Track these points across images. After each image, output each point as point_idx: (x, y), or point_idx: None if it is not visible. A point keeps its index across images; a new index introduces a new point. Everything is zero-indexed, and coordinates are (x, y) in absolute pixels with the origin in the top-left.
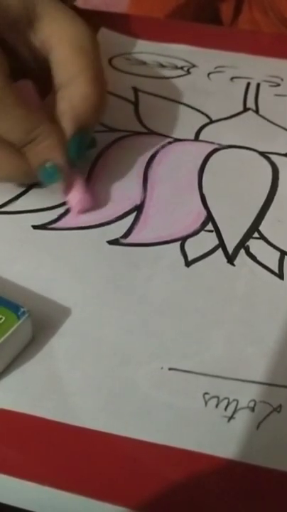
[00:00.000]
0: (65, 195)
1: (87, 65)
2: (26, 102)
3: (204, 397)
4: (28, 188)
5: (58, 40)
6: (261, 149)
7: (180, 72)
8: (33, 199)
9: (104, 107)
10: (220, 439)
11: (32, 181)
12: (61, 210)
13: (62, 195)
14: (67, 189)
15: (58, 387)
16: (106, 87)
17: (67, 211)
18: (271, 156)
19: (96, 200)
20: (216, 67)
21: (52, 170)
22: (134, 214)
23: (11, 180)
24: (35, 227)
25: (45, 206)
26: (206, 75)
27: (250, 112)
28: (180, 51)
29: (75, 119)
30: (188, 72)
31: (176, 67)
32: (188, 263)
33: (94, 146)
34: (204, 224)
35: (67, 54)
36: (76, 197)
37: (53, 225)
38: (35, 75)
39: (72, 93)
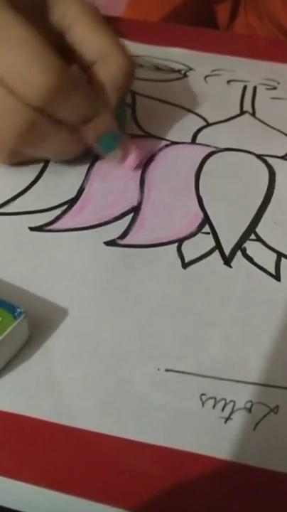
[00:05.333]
0: (123, 159)
1: (113, 37)
2: (83, 82)
3: (201, 398)
4: (25, 189)
5: (74, 18)
6: (257, 152)
7: (177, 75)
8: (29, 201)
9: (134, 74)
10: (217, 439)
11: (80, 154)
12: (57, 211)
13: (119, 160)
14: (125, 153)
15: (55, 387)
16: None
17: (63, 213)
18: (267, 158)
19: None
20: (213, 71)
21: (111, 140)
22: (131, 215)
23: (65, 157)
24: (32, 228)
25: (41, 208)
26: (203, 78)
27: (247, 114)
28: (177, 54)
29: (117, 88)
30: (185, 75)
31: (173, 71)
32: (185, 265)
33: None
34: (201, 226)
35: (89, 31)
36: (132, 156)
37: (50, 227)
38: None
39: (110, 64)
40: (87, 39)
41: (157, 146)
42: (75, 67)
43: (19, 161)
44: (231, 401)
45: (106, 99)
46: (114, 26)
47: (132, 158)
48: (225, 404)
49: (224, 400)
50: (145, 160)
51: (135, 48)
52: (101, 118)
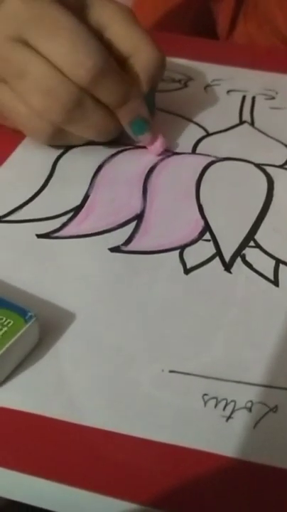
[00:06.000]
0: (151, 143)
1: (144, 34)
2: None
3: (203, 398)
4: (31, 198)
5: (110, 20)
6: (256, 161)
7: (177, 85)
8: (36, 209)
9: (165, 67)
10: (219, 437)
11: (113, 138)
12: (64, 219)
13: (149, 143)
14: (153, 137)
15: (64, 387)
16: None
17: (69, 220)
18: (266, 167)
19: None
20: (212, 81)
21: (142, 123)
22: (135, 222)
23: (100, 138)
24: (39, 235)
25: (48, 215)
26: (203, 88)
27: (246, 124)
28: (177, 65)
29: (149, 79)
30: (185, 85)
31: (173, 81)
32: (187, 271)
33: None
34: (202, 233)
35: (124, 29)
36: (158, 141)
37: (56, 234)
38: None
39: (142, 58)
40: (122, 36)
41: (159, 156)
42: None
43: (59, 143)
44: (232, 401)
45: (139, 87)
46: None
47: (159, 144)
48: (226, 404)
49: (226, 399)
50: (166, 148)
51: None
52: (134, 103)
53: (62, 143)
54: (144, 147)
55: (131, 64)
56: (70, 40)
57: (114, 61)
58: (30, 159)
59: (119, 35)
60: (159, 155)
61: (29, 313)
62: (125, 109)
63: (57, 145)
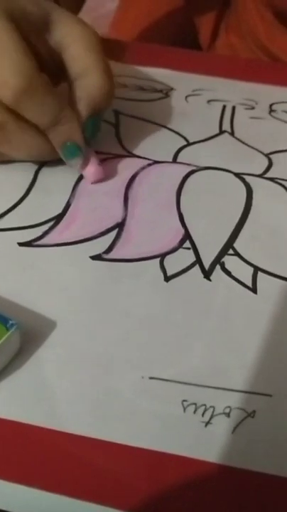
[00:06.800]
0: (81, 169)
1: (99, 59)
2: (54, 90)
3: (183, 404)
4: (13, 206)
5: (71, 40)
6: (236, 170)
7: (159, 95)
8: (18, 217)
9: (113, 95)
10: (198, 442)
11: (51, 158)
12: (45, 227)
13: (80, 169)
14: (84, 164)
15: (46, 395)
16: (113, 79)
17: (50, 228)
18: (245, 177)
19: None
20: (193, 90)
21: (73, 148)
22: (116, 231)
23: (34, 158)
24: (20, 244)
25: (30, 224)
26: (184, 98)
27: (226, 134)
28: (159, 75)
29: (91, 104)
30: (167, 95)
31: (155, 90)
32: (167, 278)
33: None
34: (182, 241)
35: (81, 51)
36: (92, 168)
37: (38, 242)
38: (49, 69)
39: (88, 83)
40: (77, 57)
41: (140, 165)
42: (45, 76)
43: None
44: (211, 406)
45: (78, 112)
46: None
47: (91, 172)
48: (205, 410)
49: (205, 405)
50: (102, 178)
51: (118, 67)
52: (66, 126)
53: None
54: (128, 156)
55: (76, 86)
56: None
57: (45, 80)
58: (11, 168)
59: (74, 56)
60: (93, 183)
61: (10, 322)
62: (55, 131)
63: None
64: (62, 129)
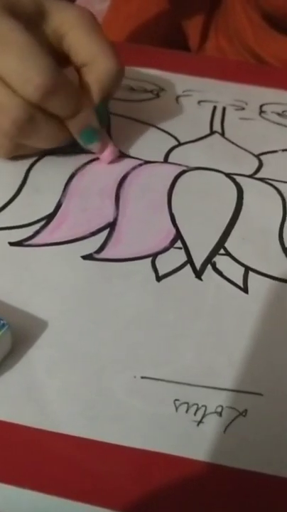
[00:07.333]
0: (100, 151)
1: (103, 43)
2: (70, 81)
3: (175, 404)
4: (3, 206)
5: (69, 26)
6: (226, 171)
7: (149, 95)
8: (9, 217)
9: (122, 75)
10: (190, 441)
11: (68, 143)
12: (36, 227)
13: (98, 152)
14: (102, 146)
15: (37, 395)
16: (120, 58)
17: (41, 228)
18: (236, 177)
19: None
20: (184, 91)
21: (91, 133)
22: (107, 230)
23: (55, 145)
24: (11, 243)
25: (20, 223)
26: (174, 99)
27: (216, 134)
28: (149, 75)
29: (102, 89)
30: (157, 95)
31: (146, 91)
32: (159, 278)
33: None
34: (173, 241)
35: (82, 36)
36: (108, 150)
37: (29, 242)
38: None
39: (96, 68)
40: (80, 44)
41: (131, 165)
42: (70, 68)
43: (17, 154)
44: (203, 406)
45: (90, 98)
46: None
47: (108, 153)
48: (197, 409)
49: (197, 404)
50: (117, 157)
51: None
52: (83, 113)
53: (22, 153)
54: (119, 156)
55: (85, 72)
56: (18, 57)
57: (64, 75)
58: (2, 168)
59: (78, 42)
60: (110, 163)
61: (1, 321)
62: (75, 120)
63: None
64: (80, 117)
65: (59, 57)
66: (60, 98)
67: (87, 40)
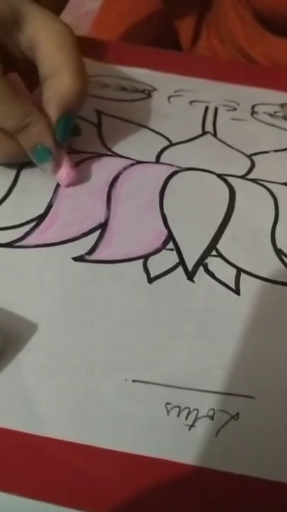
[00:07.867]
0: (54, 173)
1: (70, 59)
2: (18, 93)
3: (166, 407)
4: None
5: (43, 38)
6: (218, 171)
7: (141, 95)
8: None
9: (85, 96)
10: (182, 446)
11: (24, 161)
12: (26, 228)
13: (52, 173)
14: (56, 167)
15: (26, 399)
16: (87, 79)
17: (32, 229)
18: (227, 178)
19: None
20: (175, 91)
21: (43, 151)
22: (98, 232)
23: (10, 160)
24: (1, 245)
25: (11, 224)
26: (166, 99)
27: (208, 135)
28: (141, 75)
29: (60, 104)
30: (149, 95)
31: (137, 91)
32: (150, 280)
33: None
34: (165, 243)
35: (52, 50)
36: (64, 172)
37: (19, 243)
38: (23, 69)
39: (57, 82)
40: (48, 57)
41: (122, 165)
42: (18, 77)
43: None
44: (194, 409)
45: (49, 113)
46: (80, 46)
47: (65, 176)
48: (189, 413)
49: (188, 408)
50: (76, 182)
51: (100, 67)
52: (35, 129)
53: None
54: (111, 156)
55: (46, 86)
56: None
57: (8, 86)
58: None
59: (47, 54)
60: (66, 186)
61: None
62: (24, 134)
63: None
64: (30, 132)
65: (32, 70)
66: (4, 109)
67: (55, 54)
